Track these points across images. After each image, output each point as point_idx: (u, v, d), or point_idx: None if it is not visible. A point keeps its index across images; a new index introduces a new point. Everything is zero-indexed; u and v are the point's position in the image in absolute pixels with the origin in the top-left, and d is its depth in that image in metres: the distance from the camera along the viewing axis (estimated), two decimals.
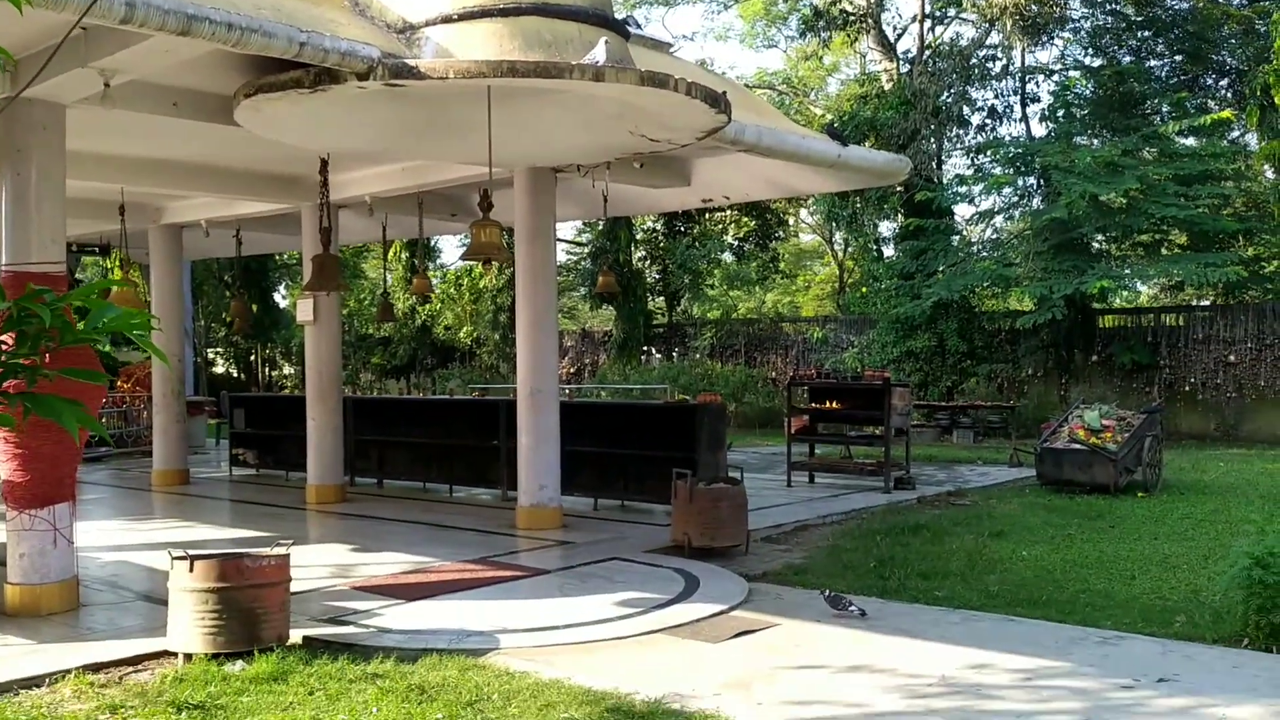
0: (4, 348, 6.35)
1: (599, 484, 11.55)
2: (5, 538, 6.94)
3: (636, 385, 23.03)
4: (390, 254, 30.17)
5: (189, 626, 5.68)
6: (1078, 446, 12.20)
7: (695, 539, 8.61)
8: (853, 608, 6.64)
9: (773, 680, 5.44)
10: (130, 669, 5.72)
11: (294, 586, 7.36)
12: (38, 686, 5.38)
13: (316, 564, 8.46)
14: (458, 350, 30.50)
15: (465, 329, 29.65)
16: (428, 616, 6.71)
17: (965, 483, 13.45)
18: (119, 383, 20.51)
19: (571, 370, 28.55)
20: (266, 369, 35.08)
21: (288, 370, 35.18)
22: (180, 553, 5.77)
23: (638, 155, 9.21)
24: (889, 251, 25.86)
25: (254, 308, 27.80)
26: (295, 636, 6.14)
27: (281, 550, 6.02)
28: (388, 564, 8.44)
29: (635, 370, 25.15)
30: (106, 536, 9.99)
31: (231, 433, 15.38)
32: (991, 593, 7.37)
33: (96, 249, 17.02)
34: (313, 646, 6.04)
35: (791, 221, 34.38)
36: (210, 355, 35.14)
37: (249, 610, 5.71)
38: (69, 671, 5.49)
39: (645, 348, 27.00)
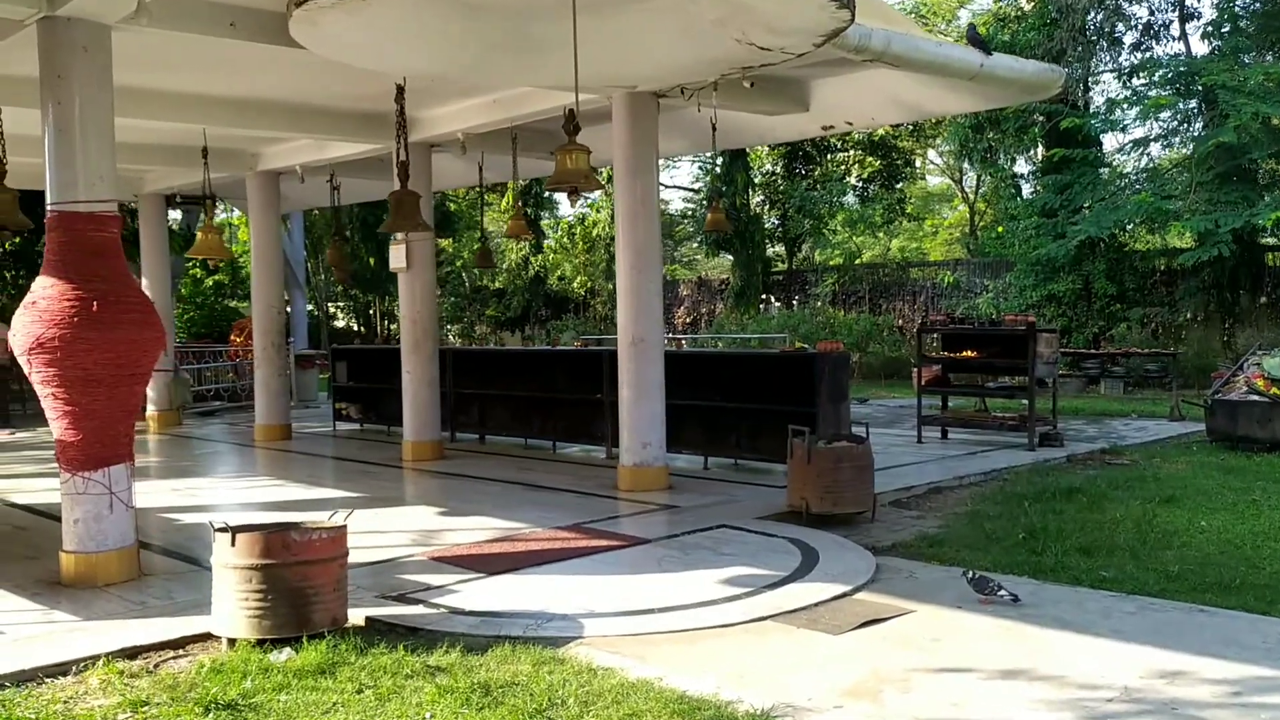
0: (56, 297, 5.67)
1: (709, 441, 10.63)
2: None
3: (754, 334, 21.97)
4: (504, 202, 29.67)
5: (232, 608, 5.00)
6: (1257, 398, 10.71)
7: (814, 504, 7.63)
8: (1002, 592, 5.59)
9: (907, 687, 4.46)
10: (171, 654, 5.08)
11: (369, 556, 6.76)
12: (65, 675, 4.78)
13: (398, 529, 7.79)
14: (571, 301, 29.89)
15: (579, 279, 29.00)
16: (507, 594, 5.93)
17: (1120, 439, 12.05)
18: (232, 336, 20.49)
19: (688, 320, 27.61)
20: (385, 323, 35.17)
21: None
22: (221, 524, 5.09)
23: (747, 71, 8.13)
24: (1027, 189, 23.99)
25: (370, 260, 27.67)
26: (357, 617, 5.43)
27: (337, 521, 5.29)
28: (474, 530, 7.72)
29: (753, 319, 24.05)
30: (192, 495, 9.56)
31: (334, 386, 14.98)
32: (1171, 573, 6.19)
33: (203, 199, 16.79)
34: (373, 630, 5.32)
35: (918, 163, 32.53)
36: (331, 310, 35.41)
37: (297, 591, 5.00)
38: (100, 658, 4.88)
39: (764, 296, 25.84)
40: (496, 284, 31.65)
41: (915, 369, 19.11)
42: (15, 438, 14.91)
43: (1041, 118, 20.40)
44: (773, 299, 25.93)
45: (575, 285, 28.87)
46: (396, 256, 11.33)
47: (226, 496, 9.53)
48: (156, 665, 4.91)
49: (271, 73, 9.29)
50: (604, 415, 11.28)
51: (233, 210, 28.31)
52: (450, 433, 12.76)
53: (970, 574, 5.75)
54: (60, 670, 4.80)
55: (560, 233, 29.64)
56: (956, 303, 21.70)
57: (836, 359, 9.67)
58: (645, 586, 6.06)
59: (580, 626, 5.29)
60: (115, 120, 6.52)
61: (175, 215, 20.86)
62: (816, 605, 5.62)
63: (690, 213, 37.53)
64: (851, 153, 28.88)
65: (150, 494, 9.48)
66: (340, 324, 36.42)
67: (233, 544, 5.00)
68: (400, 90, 7.47)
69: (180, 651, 5.12)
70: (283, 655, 4.84)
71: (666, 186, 38.92)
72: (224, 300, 32.65)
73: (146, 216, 15.92)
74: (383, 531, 7.67)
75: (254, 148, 13.12)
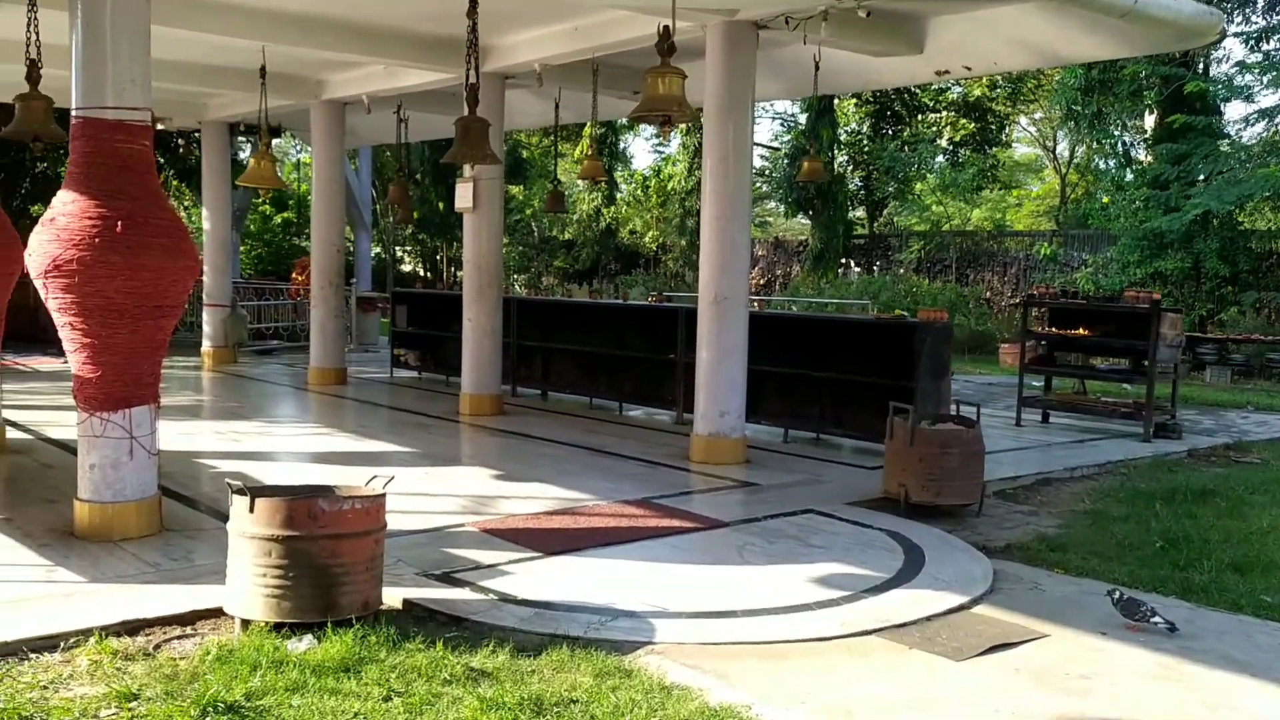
0: (76, 214, 4.83)
1: (789, 412, 9.76)
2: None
3: (831, 299, 20.93)
4: (576, 151, 28.80)
5: (247, 585, 4.28)
6: None
7: (914, 492, 6.74)
8: (1156, 619, 4.67)
9: None
10: (177, 631, 4.39)
11: (414, 523, 6.04)
12: (53, 650, 4.11)
13: (449, 492, 7.06)
14: (642, 256, 29.01)
15: (651, 233, 28.08)
16: (566, 580, 5.15)
17: (1243, 434, 10.91)
18: (294, 274, 19.98)
19: (761, 281, 26.58)
20: (451, 269, 34.62)
21: None
22: (239, 483, 4.36)
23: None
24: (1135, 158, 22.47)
25: (440, 204, 27.04)
26: (393, 598, 4.70)
27: (375, 489, 4.54)
28: (532, 498, 6.96)
29: (831, 284, 22.96)
30: (234, 440, 8.94)
31: (393, 331, 14.33)
32: None
33: (259, 124, 16.13)
34: (410, 617, 4.58)
35: (1011, 129, 30.93)
36: (399, 253, 34.92)
37: (324, 569, 4.26)
38: (95, 632, 4.20)
39: (843, 260, 24.69)
40: (566, 235, 30.87)
41: (1005, 344, 17.98)
42: (67, 365, 14.52)
43: (1159, 81, 18.92)
44: (852, 263, 24.78)
45: (647, 240, 27.96)
46: (462, 195, 10.55)
47: (269, 444, 8.90)
48: (158, 646, 4.22)
49: None
50: (676, 378, 10.45)
51: (302, 148, 27.80)
52: (511, 386, 12.03)
53: (1118, 594, 4.83)
54: (49, 644, 4.13)
55: (634, 185, 28.69)
56: (1051, 276, 20.41)
57: (939, 330, 8.71)
58: (724, 581, 5.24)
59: (650, 629, 4.49)
60: (177, 35, 5.79)
61: (246, 152, 20.32)
62: (929, 620, 4.75)
63: (767, 171, 36.35)
64: (944, 113, 27.48)
65: (191, 436, 8.89)
66: (406, 268, 35.93)
67: (251, 509, 4.27)
68: (474, 3, 6.65)
69: (188, 630, 4.42)
70: (302, 644, 4.11)
71: None
72: (291, 237, 32.30)
73: (209, 144, 15.34)
74: (431, 495, 6.94)
75: (319, 74, 12.39)
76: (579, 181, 35.74)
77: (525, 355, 12.35)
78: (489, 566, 5.33)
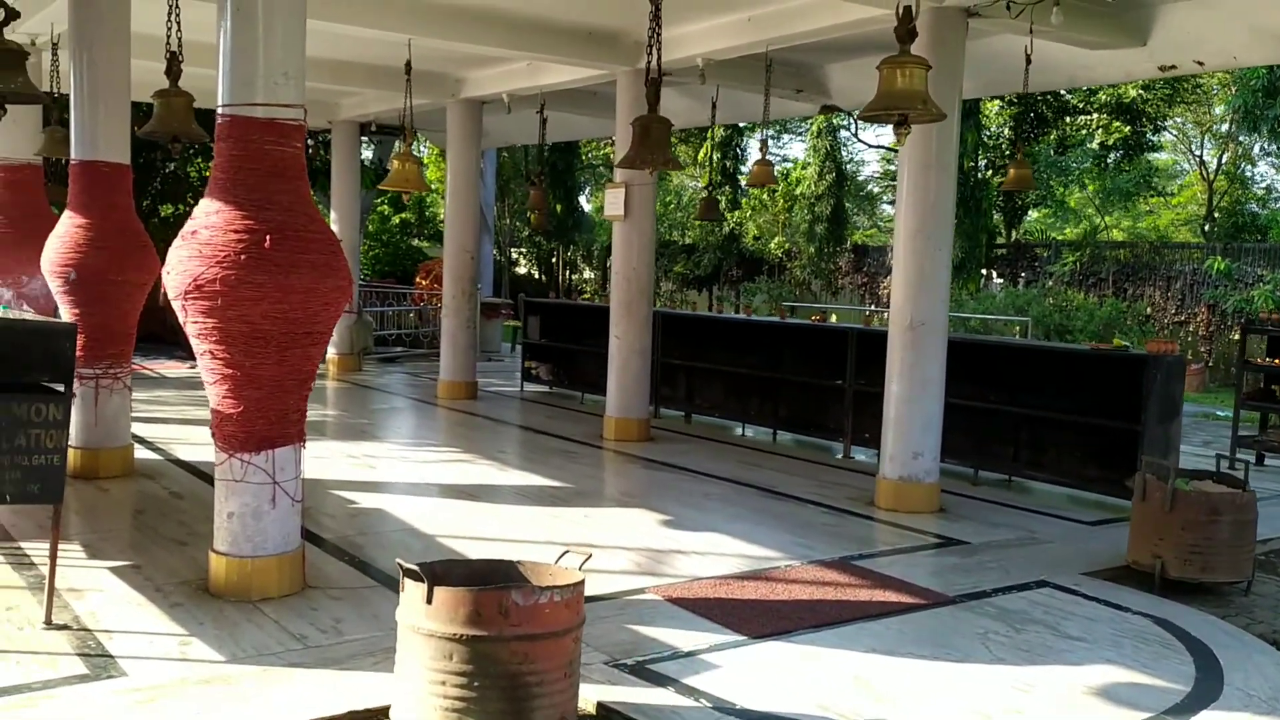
0: (220, 226, 4.11)
1: (976, 449, 8.67)
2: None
3: (975, 314, 19.58)
4: (700, 154, 27.91)
5: (422, 692, 3.45)
6: None
7: (1173, 567, 5.63)
8: None
9: None
10: None
11: (590, 585, 5.18)
12: None
13: (616, 543, 6.21)
14: (766, 263, 27.91)
15: (776, 239, 27.00)
16: (786, 678, 4.22)
17: None
18: (418, 278, 19.52)
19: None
20: (567, 272, 34.06)
21: (588, 274, 34.03)
22: (412, 565, 3.53)
23: None
24: None
25: (558, 207, 26.46)
26: (587, 700, 3.84)
27: (572, 575, 3.68)
28: (711, 554, 6.06)
29: (973, 296, 21.56)
30: (369, 467, 8.27)
31: (524, 343, 13.62)
32: None
33: (402, 124, 15.62)
34: None
35: (1165, 133, 28.96)
36: (514, 255, 34.51)
37: (516, 677, 3.41)
38: None
39: (984, 271, 23.25)
40: (686, 239, 29.99)
41: (1237, 374, 16.34)
42: (195, 370, 14.19)
43: None
44: (994, 274, 23.33)
45: (772, 246, 26.89)
46: (613, 202, 9.72)
47: (407, 473, 8.18)
48: None
49: None
50: (844, 406, 9.44)
51: (420, 146, 27.50)
52: (654, 407, 11.17)
53: None
54: None
55: (760, 189, 27.59)
56: (1224, 293, 18.76)
57: (1171, 364, 7.52)
58: (983, 687, 4.24)
59: None
60: (314, 28, 5.09)
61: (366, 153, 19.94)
62: None
63: (893, 174, 34.88)
64: (1095, 115, 25.77)
65: (323, 459, 8.23)
66: (521, 270, 35.50)
67: (428, 600, 3.45)
68: None
69: None
70: None
71: (868, 145, 36.33)
72: (409, 239, 32.10)
73: (339, 146, 14.87)
74: (598, 545, 6.09)
75: (458, 71, 11.72)
76: (691, 183, 34.91)
77: (667, 373, 11.48)
78: (689, 655, 4.44)
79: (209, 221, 4.74)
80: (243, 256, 4.62)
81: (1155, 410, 7.38)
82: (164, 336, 14.57)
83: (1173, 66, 8.44)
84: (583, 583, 3.67)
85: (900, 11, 4.86)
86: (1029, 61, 7.68)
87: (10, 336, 4.31)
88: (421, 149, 30.80)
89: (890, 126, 5.00)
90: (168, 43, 6.29)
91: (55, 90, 8.86)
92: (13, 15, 4.89)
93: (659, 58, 5.97)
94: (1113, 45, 8.04)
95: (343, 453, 8.70)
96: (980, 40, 8.35)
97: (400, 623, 3.55)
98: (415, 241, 31.99)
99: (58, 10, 7.50)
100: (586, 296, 29.10)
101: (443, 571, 3.63)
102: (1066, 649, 4.72)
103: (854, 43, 9.31)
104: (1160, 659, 4.63)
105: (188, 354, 15.11)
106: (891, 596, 5.37)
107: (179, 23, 6.29)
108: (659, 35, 5.99)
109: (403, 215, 31.45)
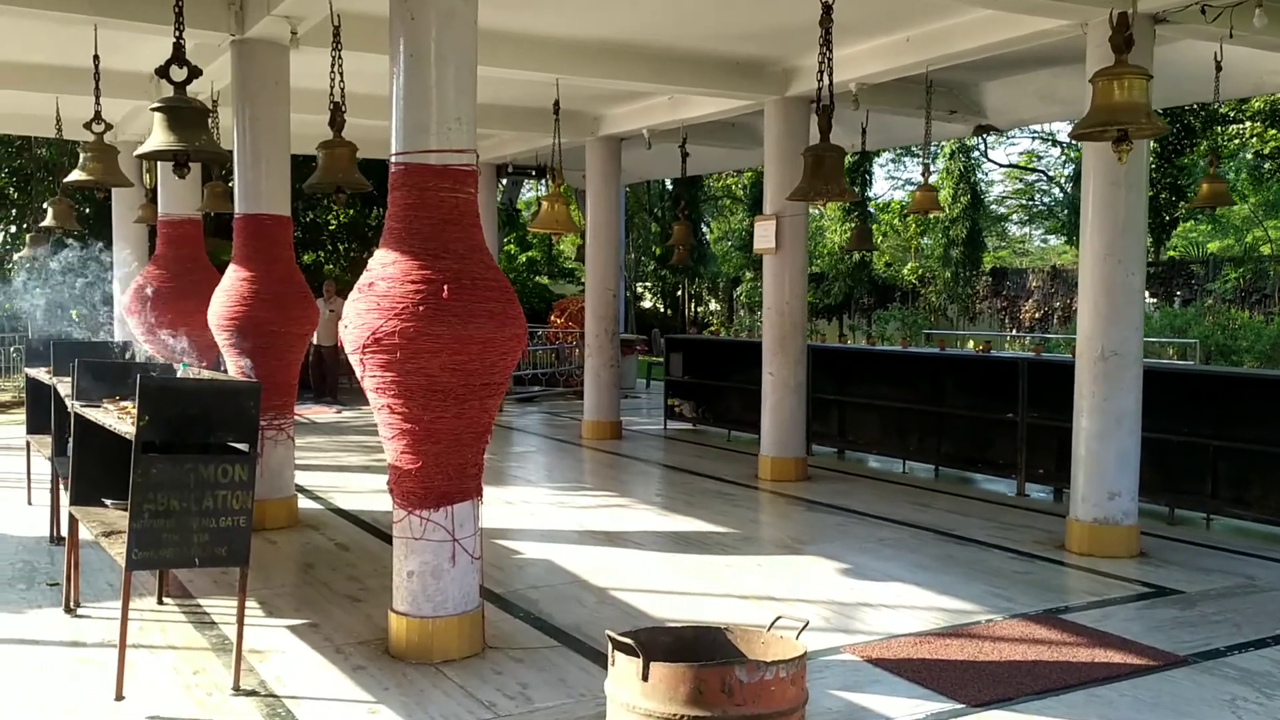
0: (398, 278, 4.01)
1: (1168, 485, 8.05)
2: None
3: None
4: None
5: None
6: None
7: None
8: None
9: None
10: None
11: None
12: None
13: (797, 595, 5.87)
14: (898, 289, 27.24)
15: (909, 265, 26.33)
16: None
17: None
18: (552, 317, 19.55)
19: (1036, 315, 24.32)
20: (693, 305, 33.90)
21: (714, 306, 33.79)
22: (624, 636, 3.28)
23: None
24: None
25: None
26: None
27: (794, 648, 3.37)
28: (901, 606, 5.66)
29: None
30: (529, 513, 8.11)
31: (667, 380, 13.39)
32: None
33: (533, 171, 15.75)
34: None
35: None
36: (639, 290, 34.54)
37: None
38: None
39: None
40: (814, 267, 29.54)
41: None
42: (342, 415, 14.41)
43: None
44: (1146, 294, 22.18)
45: (905, 272, 26.22)
46: (763, 235, 9.44)
47: (567, 520, 7.98)
48: None
49: (639, 7, 7.64)
50: (1017, 441, 8.91)
51: (540, 185, 27.77)
52: (807, 444, 10.78)
53: None
54: None
55: (890, 213, 27.02)
56: None
57: None
58: None
59: None
60: None
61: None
62: None
63: (1026, 193, 33.77)
64: (1248, 124, 24.43)
65: (482, 506, 8.08)
66: (646, 304, 35.51)
67: (644, 676, 3.18)
68: (827, 8, 5.51)
69: None
70: None
71: (999, 165, 35.26)
72: (535, 276, 32.44)
73: (479, 187, 14.96)
74: (779, 599, 5.77)
75: (597, 109, 11.65)
76: (818, 209, 34.39)
77: (819, 409, 11.08)
78: None
79: (385, 273, 4.63)
80: (420, 308, 4.49)
81: None
82: (306, 382, 14.84)
83: None
84: (805, 655, 3.35)
85: (1114, 20, 4.46)
86: (1219, 68, 7.14)
87: (199, 399, 4.24)
88: (541, 187, 31.16)
89: (1111, 144, 4.58)
90: (330, 93, 6.30)
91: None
92: (195, 73, 4.89)
93: (830, 84, 5.68)
94: None
95: (500, 499, 8.57)
96: (1158, 48, 7.82)
97: (611, 699, 3.29)
98: (541, 279, 32.29)
99: (220, 67, 7.63)
100: (713, 329, 28.83)
101: (648, 641, 3.37)
102: None
103: (1012, 59, 8.88)
104: None
105: (332, 399, 15.42)
106: (1115, 657, 4.89)
107: (341, 72, 6.29)
108: (830, 62, 5.70)
109: (529, 254, 31.81)
